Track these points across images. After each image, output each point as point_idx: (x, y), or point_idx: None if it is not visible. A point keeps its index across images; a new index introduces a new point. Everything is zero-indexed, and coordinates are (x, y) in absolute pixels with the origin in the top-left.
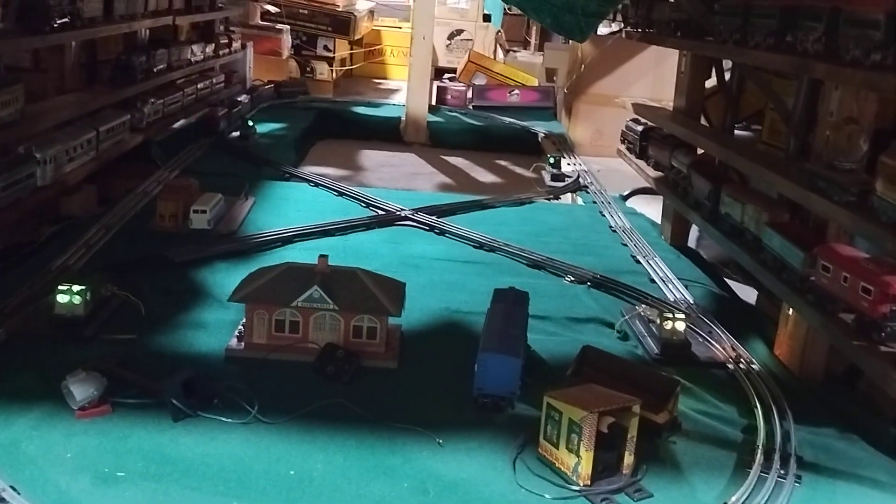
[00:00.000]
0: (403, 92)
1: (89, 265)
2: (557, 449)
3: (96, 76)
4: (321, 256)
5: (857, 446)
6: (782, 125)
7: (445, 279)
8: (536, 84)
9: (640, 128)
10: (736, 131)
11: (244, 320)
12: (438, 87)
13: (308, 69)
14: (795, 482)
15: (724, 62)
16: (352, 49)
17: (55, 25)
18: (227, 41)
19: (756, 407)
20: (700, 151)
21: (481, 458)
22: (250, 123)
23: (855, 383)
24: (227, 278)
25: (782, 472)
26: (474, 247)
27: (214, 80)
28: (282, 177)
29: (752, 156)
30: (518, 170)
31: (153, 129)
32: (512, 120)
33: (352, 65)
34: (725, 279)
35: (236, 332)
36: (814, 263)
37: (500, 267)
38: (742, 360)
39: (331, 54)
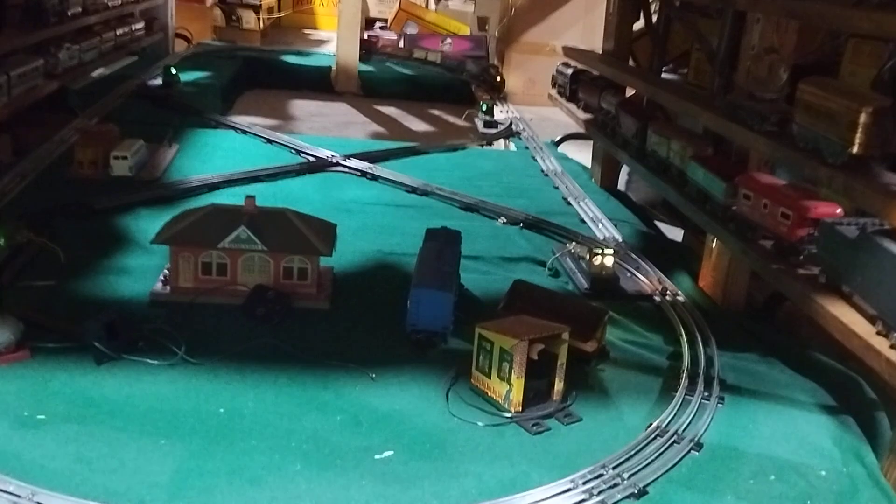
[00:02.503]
0: (333, 43)
1: (4, 214)
2: (489, 378)
3: (6, 20)
4: (248, 197)
5: (777, 369)
6: (707, 65)
7: (378, 222)
8: (469, 33)
9: (569, 71)
10: (663, 76)
11: (169, 264)
12: (369, 35)
13: (234, 17)
14: (718, 403)
15: (652, 4)
16: None
17: None
18: None
19: (681, 335)
20: (628, 93)
21: (414, 391)
22: (173, 71)
23: (774, 313)
24: (150, 225)
25: (706, 394)
26: (407, 191)
27: (134, 27)
28: (207, 124)
29: (678, 91)
30: (451, 118)
31: (69, 76)
32: (444, 69)
33: (280, 13)
34: (653, 220)
35: (161, 277)
36: (735, 193)
37: (433, 210)
38: (668, 292)
39: (258, 2)
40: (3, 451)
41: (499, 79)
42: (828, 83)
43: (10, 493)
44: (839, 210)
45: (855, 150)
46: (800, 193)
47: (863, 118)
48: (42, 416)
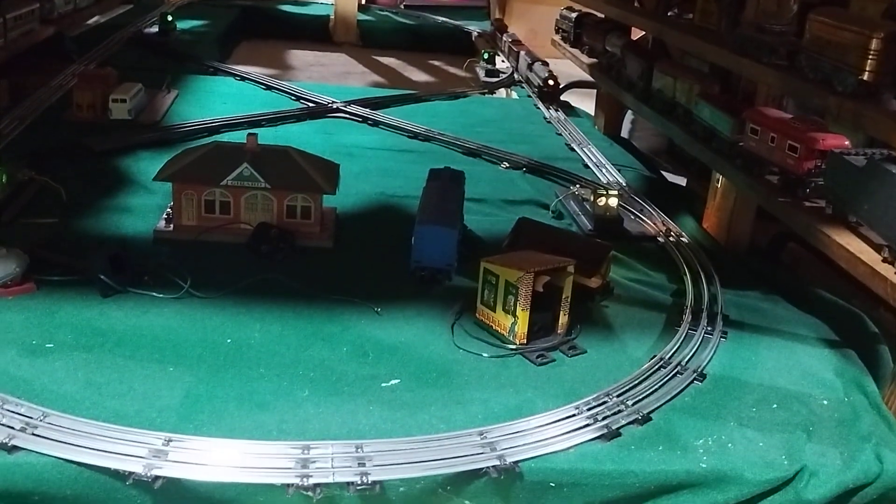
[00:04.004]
0: None
1: (4, 153)
2: (494, 312)
3: None
4: (250, 134)
5: (780, 306)
6: (713, 6)
7: (380, 166)
8: None
9: (573, 15)
10: None
11: (172, 203)
12: None
13: None
14: (721, 337)
15: None
16: None
17: None
18: None
19: (685, 273)
20: (633, 36)
21: (420, 324)
22: (170, 19)
23: (778, 255)
24: (151, 166)
25: (709, 328)
26: (408, 137)
27: None
28: (206, 71)
29: (684, 28)
30: (452, 69)
31: (65, 22)
32: (444, 19)
33: None
34: (657, 168)
35: (164, 215)
36: (742, 128)
37: (435, 155)
38: (672, 233)
39: None
40: (13, 376)
41: (551, 82)
42: (838, 13)
43: (22, 415)
44: (847, 142)
45: (865, 77)
46: (808, 126)
47: (874, 44)
48: (50, 345)
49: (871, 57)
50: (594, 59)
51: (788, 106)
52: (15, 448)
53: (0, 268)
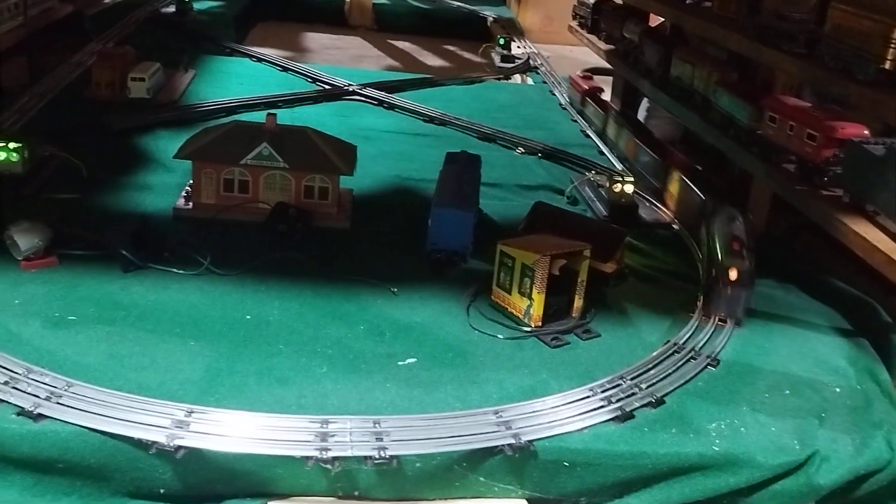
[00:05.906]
0: None
1: (23, 130)
2: (510, 294)
3: None
4: (269, 114)
5: (794, 295)
6: None
7: (396, 150)
8: None
9: (591, 1)
10: None
11: (191, 181)
12: None
13: None
14: (735, 324)
15: None
16: None
17: None
18: None
19: (699, 261)
20: (651, 23)
21: (435, 305)
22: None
23: (793, 244)
24: (170, 145)
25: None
26: (424, 121)
27: None
28: (223, 52)
29: (703, 14)
30: (466, 55)
31: (85, 1)
32: (460, 4)
33: None
34: None
35: (183, 193)
36: (760, 116)
37: (451, 139)
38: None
39: None
40: (37, 347)
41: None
42: (859, 0)
43: (47, 385)
44: (866, 130)
45: (886, 65)
46: (826, 114)
47: None
48: (73, 318)
49: (892, 45)
50: (611, 46)
51: (806, 94)
52: (41, 416)
53: (24, 241)
